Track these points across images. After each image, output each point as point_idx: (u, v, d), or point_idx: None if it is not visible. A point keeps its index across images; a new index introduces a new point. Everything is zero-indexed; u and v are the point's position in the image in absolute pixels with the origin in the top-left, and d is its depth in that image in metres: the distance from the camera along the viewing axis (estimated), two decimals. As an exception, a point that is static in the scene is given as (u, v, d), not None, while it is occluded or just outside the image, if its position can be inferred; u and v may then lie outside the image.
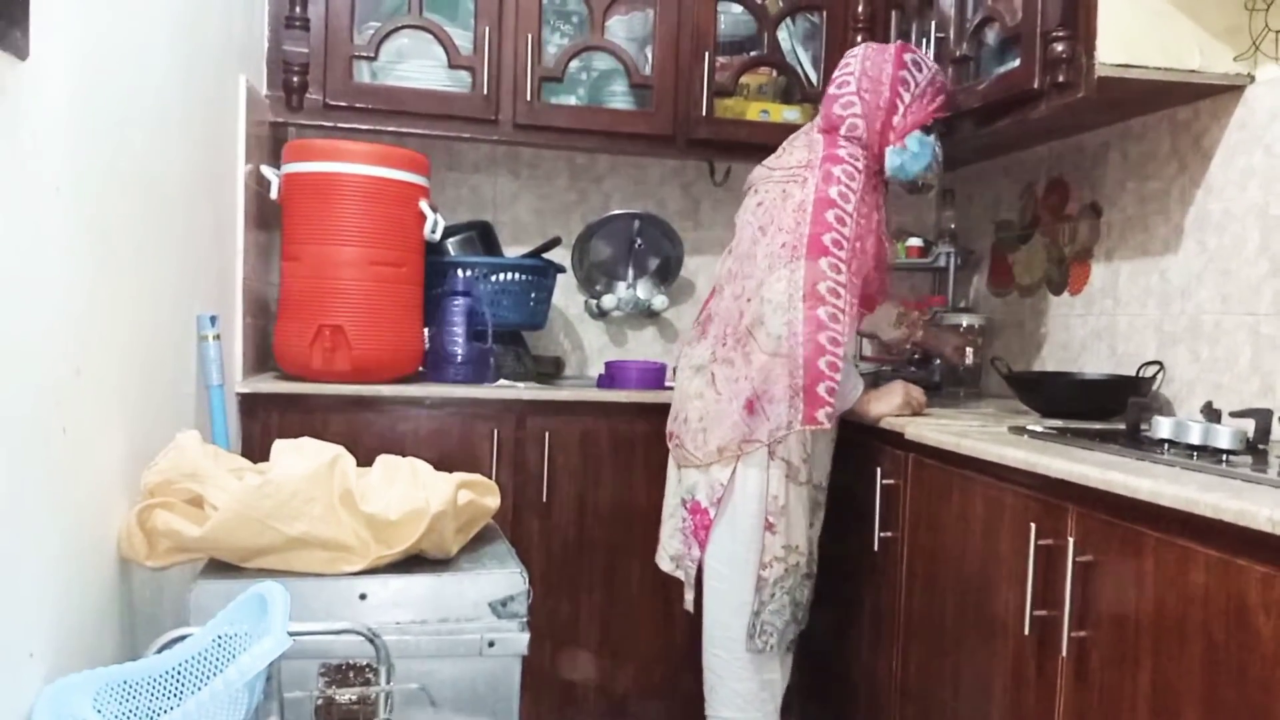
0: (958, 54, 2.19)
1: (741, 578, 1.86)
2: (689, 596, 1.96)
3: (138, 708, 1.24)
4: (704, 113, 2.58)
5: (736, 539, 1.87)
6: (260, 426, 2.18)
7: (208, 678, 1.23)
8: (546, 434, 2.32)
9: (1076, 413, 1.92)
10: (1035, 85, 1.92)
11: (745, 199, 2.04)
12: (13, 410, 1.12)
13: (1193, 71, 1.83)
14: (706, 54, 2.57)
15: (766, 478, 1.85)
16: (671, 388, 2.16)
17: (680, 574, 2.00)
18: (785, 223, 1.85)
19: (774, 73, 2.71)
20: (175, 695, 1.25)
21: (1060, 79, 1.87)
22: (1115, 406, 1.84)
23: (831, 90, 1.98)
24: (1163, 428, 1.44)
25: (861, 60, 1.97)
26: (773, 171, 1.98)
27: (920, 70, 1.98)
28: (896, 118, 1.94)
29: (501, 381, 2.40)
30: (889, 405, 1.94)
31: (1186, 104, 1.99)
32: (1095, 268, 2.28)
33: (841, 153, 1.89)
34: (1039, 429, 1.64)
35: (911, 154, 1.95)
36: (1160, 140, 2.08)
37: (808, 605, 1.95)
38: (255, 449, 2.11)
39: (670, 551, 2.03)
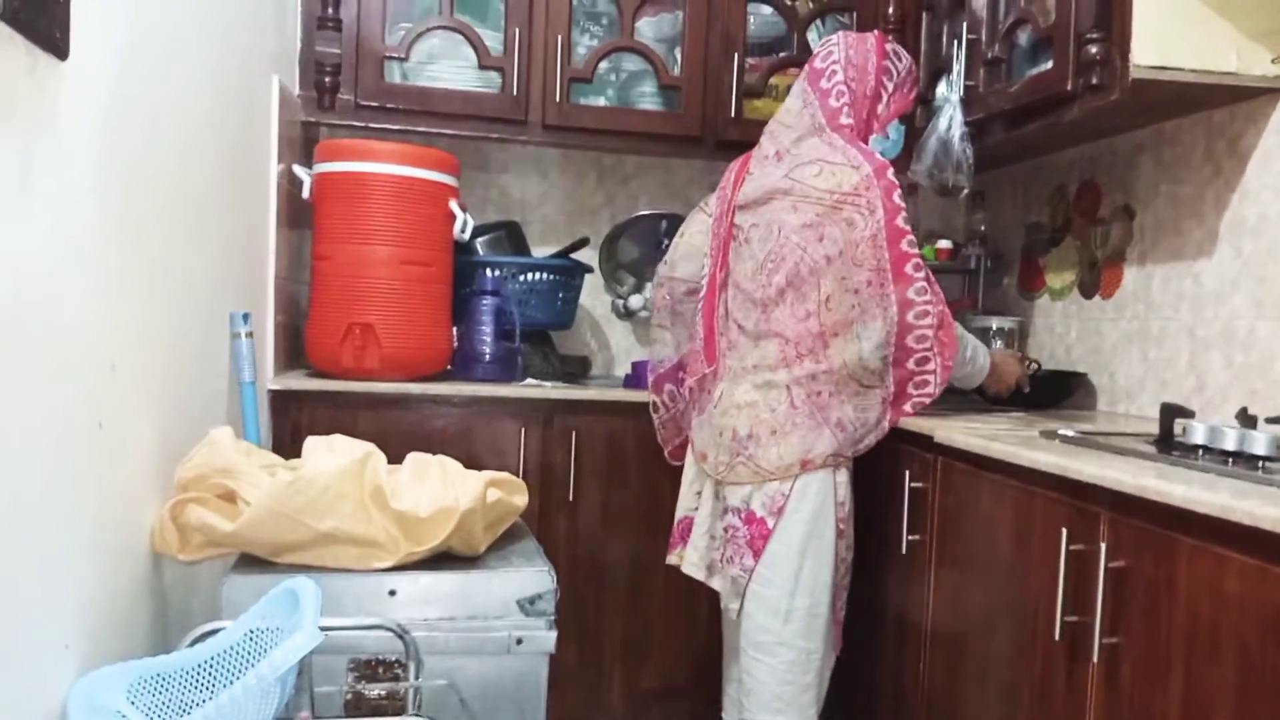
0: (990, 55, 2.18)
1: (796, 584, 1.85)
2: (734, 606, 1.91)
3: (170, 700, 1.25)
4: (733, 114, 2.58)
5: (794, 545, 1.84)
6: (291, 423, 2.20)
7: (240, 671, 1.25)
8: (573, 433, 2.33)
9: (1027, 402, 2.18)
10: (1068, 87, 1.91)
11: (768, 209, 1.92)
12: (50, 406, 1.14)
13: (1229, 74, 1.81)
14: (736, 55, 2.57)
15: (833, 484, 1.86)
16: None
17: (715, 583, 1.97)
18: (859, 256, 1.83)
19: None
20: (208, 688, 1.26)
21: (1093, 81, 1.86)
22: (1061, 397, 2.28)
23: (823, 84, 1.94)
24: (1197, 433, 1.43)
25: (845, 49, 1.96)
26: (820, 192, 1.86)
27: (900, 60, 2.00)
28: (881, 107, 1.96)
29: (529, 381, 2.41)
30: (1009, 376, 2.07)
31: (1222, 107, 1.97)
32: (1127, 271, 2.26)
33: (891, 174, 1.86)
34: (1070, 433, 1.62)
35: (893, 142, 2.00)
36: (1195, 143, 2.06)
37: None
38: (286, 445, 2.13)
39: (706, 560, 1.98)
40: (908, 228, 1.84)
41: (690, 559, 2.02)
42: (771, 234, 1.91)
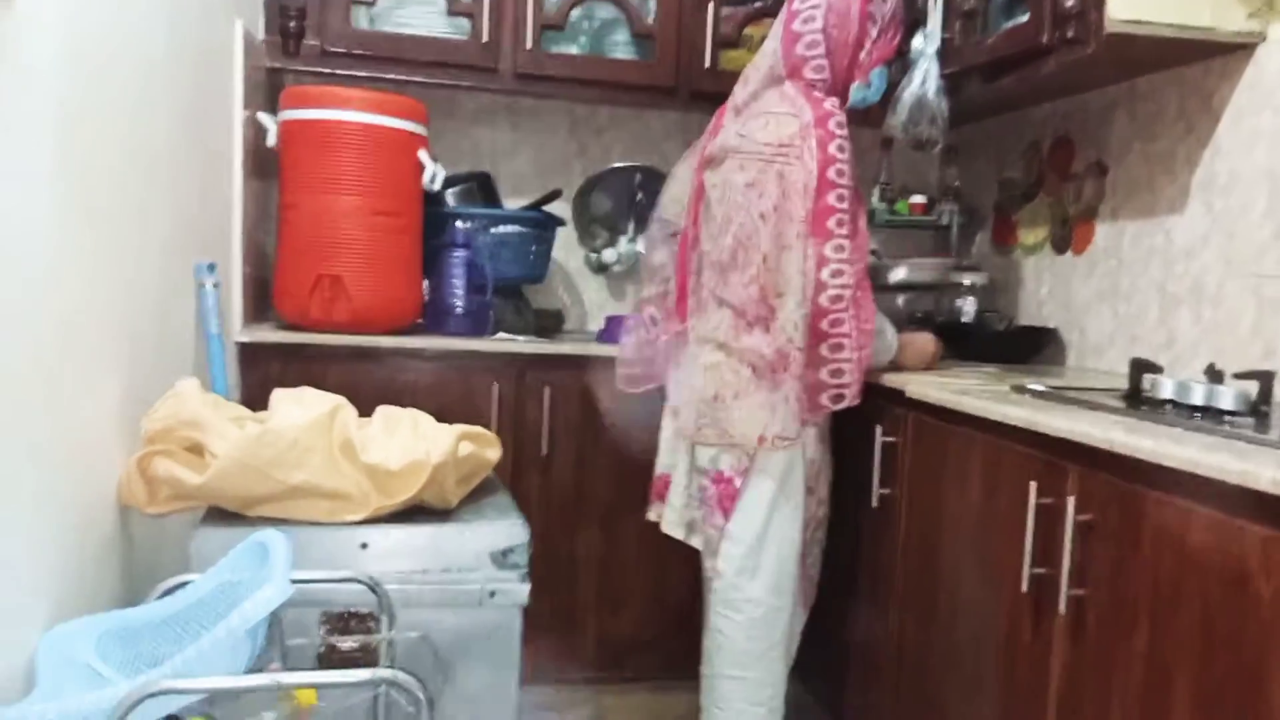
0: (965, 7, 2.16)
1: (764, 542, 1.87)
2: (709, 564, 1.92)
3: (140, 653, 1.24)
4: (707, 64, 2.55)
5: (760, 505, 1.86)
6: (259, 376, 2.17)
7: (209, 624, 1.24)
8: (546, 388, 2.32)
9: (996, 358, 2.22)
10: (1044, 40, 1.90)
11: (723, 168, 1.90)
12: (11, 358, 1.11)
13: (1204, 29, 1.80)
14: (711, 4, 2.53)
15: (804, 444, 1.87)
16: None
17: (695, 541, 1.97)
18: (791, 209, 1.78)
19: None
20: (177, 641, 1.25)
21: (1069, 35, 1.84)
22: (1031, 353, 2.34)
23: (794, 26, 1.88)
24: (1165, 389, 1.44)
25: None
26: (760, 146, 1.84)
27: (884, 3, 1.92)
28: (863, 54, 1.89)
29: (501, 335, 2.39)
30: (920, 358, 2.00)
31: (1196, 63, 1.97)
32: (1099, 227, 2.27)
33: (833, 123, 1.81)
34: (1041, 388, 1.63)
35: (875, 89, 1.94)
36: (1168, 100, 2.06)
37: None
38: (255, 399, 2.10)
39: (685, 519, 1.98)
40: (842, 181, 1.79)
41: (669, 518, 2.00)
42: (725, 195, 1.89)
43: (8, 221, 1.11)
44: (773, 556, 1.88)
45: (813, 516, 1.91)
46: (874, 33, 1.89)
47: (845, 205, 1.79)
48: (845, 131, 1.83)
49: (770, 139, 1.83)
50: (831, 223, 1.78)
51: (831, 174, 1.79)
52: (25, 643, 1.16)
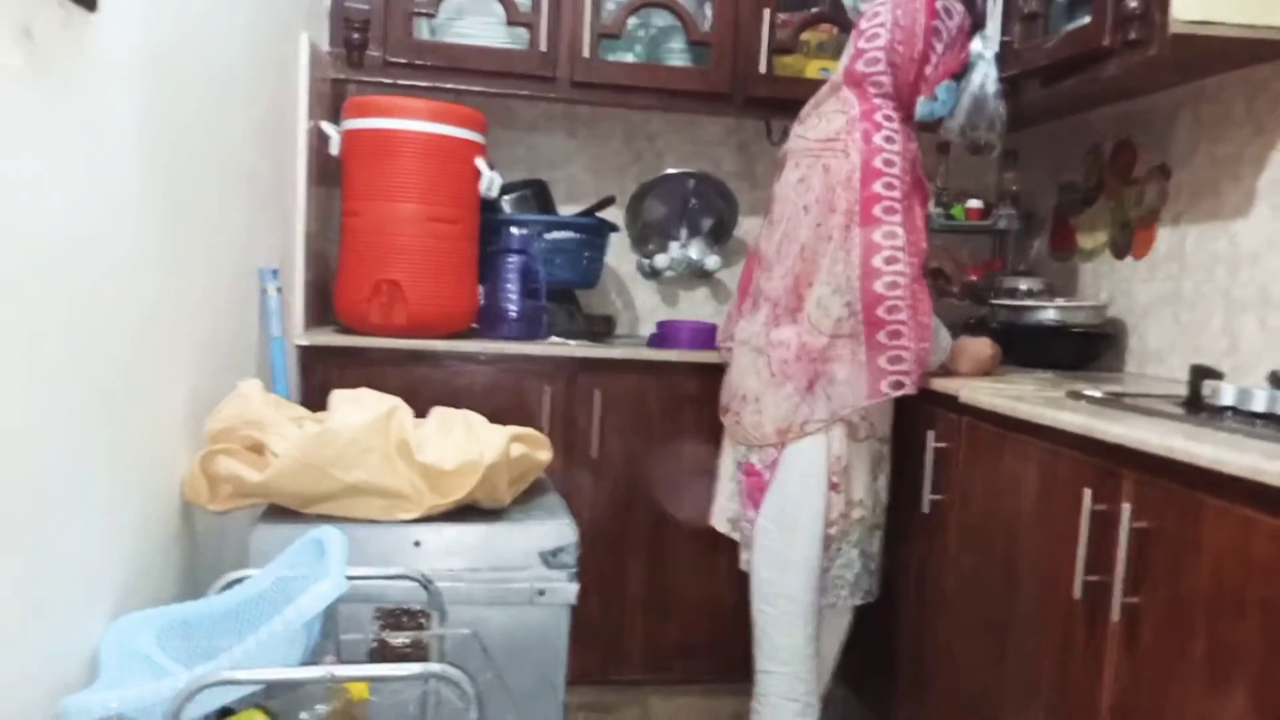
0: (1026, 10, 2.14)
1: (793, 536, 1.88)
2: (744, 556, 1.99)
3: (199, 645, 1.28)
4: (762, 70, 2.54)
5: (788, 498, 1.89)
6: (319, 378, 2.22)
7: (267, 618, 1.27)
8: (597, 391, 2.34)
9: (1053, 364, 2.19)
10: (1106, 43, 1.87)
11: (784, 171, 1.99)
12: (82, 357, 1.16)
13: (1272, 28, 1.76)
14: (767, 10, 2.53)
15: (828, 439, 1.86)
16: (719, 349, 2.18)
17: (736, 535, 2.04)
18: (834, 200, 1.81)
19: (835, 29, 2.66)
20: (235, 634, 1.29)
21: (1132, 36, 1.81)
22: (1089, 359, 2.27)
23: (860, 44, 1.92)
24: (1226, 395, 1.41)
25: (892, 9, 1.90)
26: (810, 143, 1.92)
27: (951, 18, 1.92)
28: (929, 68, 1.90)
29: (554, 339, 2.42)
30: (976, 363, 1.97)
31: (1264, 63, 1.92)
32: (1161, 232, 2.22)
33: (879, 116, 1.84)
34: (1097, 394, 1.61)
35: (941, 102, 1.96)
36: (1235, 101, 2.01)
37: (879, 555, 1.98)
38: (314, 400, 2.15)
39: (728, 514, 2.06)
40: (890, 170, 1.79)
41: (715, 513, 2.09)
42: (780, 194, 1.98)
43: (91, 222, 1.16)
44: (803, 551, 1.88)
45: (843, 515, 1.89)
46: (939, 47, 1.90)
47: (895, 194, 1.79)
48: (895, 125, 1.85)
49: (819, 135, 1.90)
50: (879, 209, 1.78)
51: (878, 163, 1.80)
52: (90, 633, 1.20)
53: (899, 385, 1.81)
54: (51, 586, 1.11)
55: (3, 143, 0.97)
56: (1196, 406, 1.47)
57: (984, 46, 2.18)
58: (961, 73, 1.97)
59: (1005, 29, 2.18)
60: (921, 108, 1.92)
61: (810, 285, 1.84)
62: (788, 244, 1.90)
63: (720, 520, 2.09)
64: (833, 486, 1.88)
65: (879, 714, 2.18)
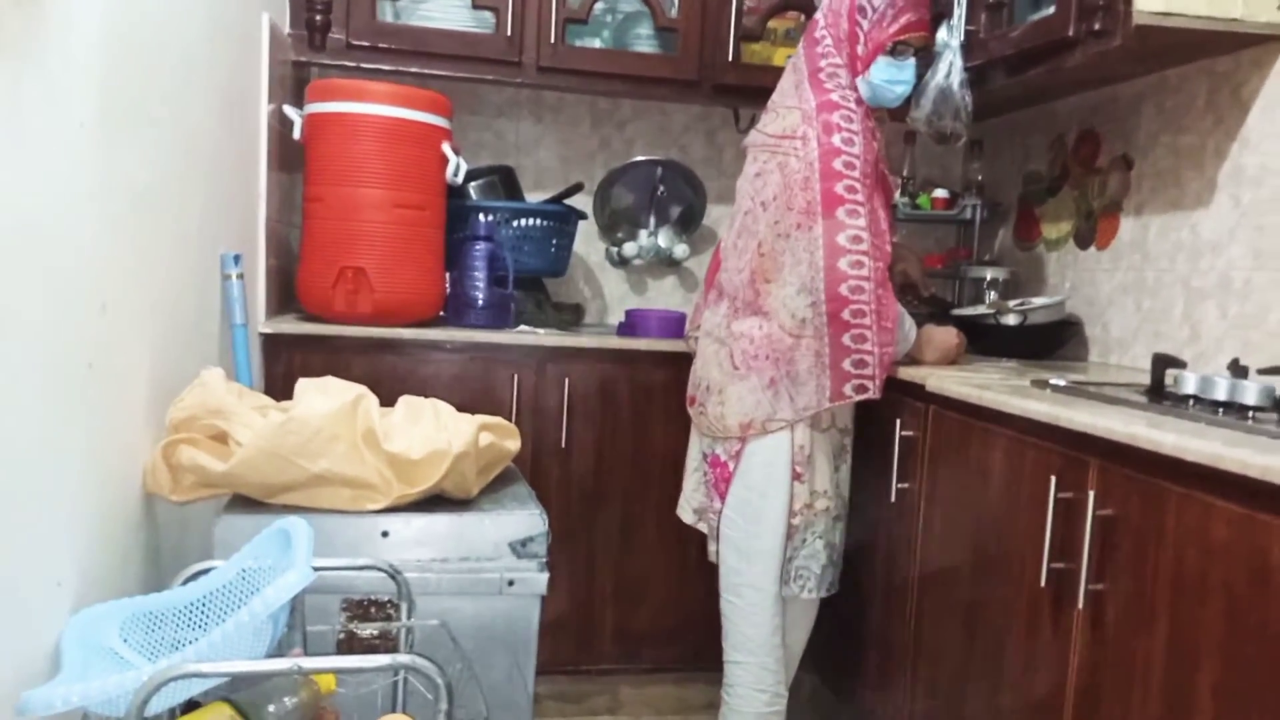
0: (992, 0, 2.15)
1: (757, 527, 1.89)
2: (712, 548, 2.00)
3: (163, 638, 1.26)
4: (730, 57, 2.54)
5: (752, 489, 1.90)
6: (283, 367, 2.20)
7: (232, 610, 1.26)
8: (566, 380, 2.33)
9: (1017, 353, 2.23)
10: (1070, 33, 1.88)
11: (745, 165, 1.99)
12: (41, 345, 1.13)
13: (1234, 20, 1.78)
14: (733, -2, 2.53)
15: (791, 430, 1.86)
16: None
17: (703, 526, 2.05)
18: (791, 199, 1.81)
19: (802, 17, 2.66)
20: (200, 626, 1.27)
21: (1096, 26, 1.83)
22: (1053, 347, 2.31)
23: (815, 33, 1.92)
24: (1188, 383, 1.43)
25: None
26: (767, 138, 1.91)
27: None
28: (859, 47, 1.87)
29: (522, 327, 2.40)
30: (942, 353, 1.97)
31: (1226, 54, 1.94)
32: (1124, 222, 2.25)
33: (838, 115, 1.83)
34: (1062, 383, 1.62)
35: (882, 82, 1.88)
36: (1197, 92, 2.04)
37: (841, 547, 1.99)
38: (277, 389, 2.13)
39: (694, 504, 2.07)
40: (851, 174, 1.78)
41: (681, 503, 2.09)
42: (740, 189, 1.99)
43: (49, 203, 1.13)
44: (766, 542, 1.89)
45: (807, 505, 1.89)
46: (865, 25, 1.87)
47: (858, 196, 1.79)
48: (855, 125, 1.83)
49: (776, 130, 1.89)
50: (841, 213, 1.78)
51: (838, 164, 1.79)
52: (50, 626, 1.18)
53: (862, 389, 1.82)
54: (10, 579, 1.08)
55: (-45, 125, 0.94)
56: (1159, 395, 1.49)
57: (949, 35, 2.19)
58: (903, 49, 1.88)
59: (970, 18, 2.19)
60: (862, 89, 1.88)
61: (768, 281, 1.85)
62: (745, 238, 1.91)
63: (685, 511, 2.10)
64: (796, 476, 1.88)
65: (846, 701, 2.20)
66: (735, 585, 1.94)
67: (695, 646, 2.37)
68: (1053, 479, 1.38)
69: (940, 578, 1.77)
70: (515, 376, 2.30)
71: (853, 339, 1.79)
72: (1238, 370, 1.49)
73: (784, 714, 1.97)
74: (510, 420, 1.76)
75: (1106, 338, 2.28)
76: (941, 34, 2.18)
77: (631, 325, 2.52)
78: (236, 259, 1.90)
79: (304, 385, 1.55)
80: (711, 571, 2.02)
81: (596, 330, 2.62)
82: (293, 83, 2.42)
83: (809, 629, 2.07)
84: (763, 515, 1.89)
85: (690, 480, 2.08)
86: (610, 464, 2.39)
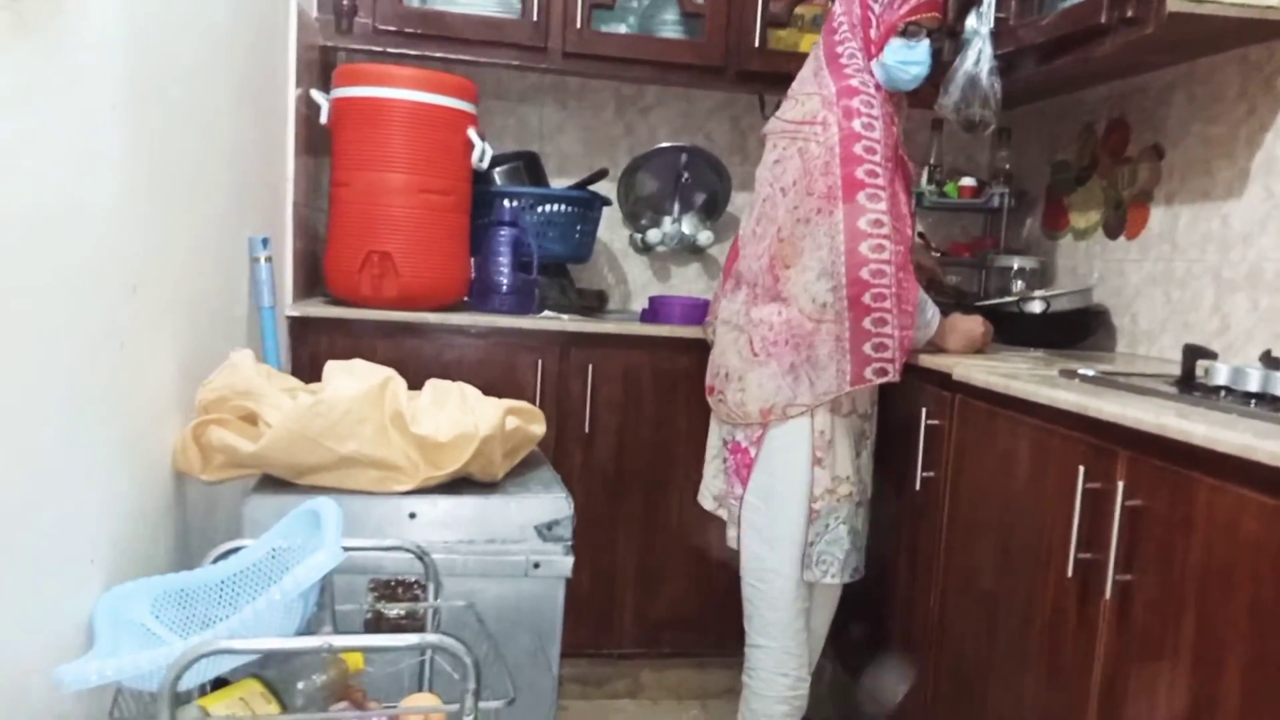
0: (1022, -13, 2.13)
1: (779, 512, 1.89)
2: (731, 534, 2.00)
3: (194, 615, 1.28)
4: (756, 44, 2.53)
5: (774, 475, 1.90)
6: (309, 350, 2.21)
7: (262, 588, 1.27)
8: (590, 366, 2.34)
9: (1044, 343, 2.21)
10: (1102, 20, 1.87)
11: (765, 152, 1.99)
12: (73, 326, 1.14)
13: (1268, 8, 1.76)
14: (760, -17, 2.51)
15: (811, 415, 1.86)
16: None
17: (722, 512, 2.05)
18: (811, 184, 1.80)
19: (829, 2, 2.64)
20: (230, 604, 1.28)
21: (1129, 14, 1.81)
22: (1080, 337, 2.28)
23: (832, 23, 1.93)
24: (1220, 374, 1.42)
25: None
26: (786, 124, 1.91)
27: None
28: (872, 31, 1.87)
29: (546, 313, 2.41)
30: (967, 341, 1.97)
31: (1260, 43, 1.92)
32: (1154, 211, 2.23)
33: (858, 100, 1.82)
34: (1090, 373, 1.61)
35: (896, 64, 1.86)
36: (1229, 81, 2.02)
37: (865, 532, 1.99)
38: (304, 372, 2.14)
39: (713, 491, 2.08)
40: (871, 158, 1.78)
41: (701, 490, 2.11)
42: (759, 176, 1.98)
43: (79, 186, 1.14)
44: (788, 528, 1.90)
45: (828, 491, 1.90)
46: (876, 8, 1.87)
47: (879, 180, 1.78)
48: (875, 110, 1.82)
49: (795, 116, 1.89)
50: (862, 197, 1.77)
51: (858, 149, 1.79)
52: (83, 603, 1.19)
53: (882, 373, 1.81)
54: (44, 556, 1.10)
55: (-6, 105, 0.95)
56: (1190, 386, 1.47)
57: (979, 23, 2.18)
58: (915, 30, 1.86)
59: (1000, 5, 2.17)
60: (878, 73, 1.87)
61: (787, 267, 1.84)
62: (764, 224, 1.91)
63: (706, 498, 2.11)
64: (817, 461, 1.89)
65: (869, 689, 2.20)
66: (758, 570, 1.94)
67: (716, 632, 2.38)
68: (1081, 469, 1.38)
69: (964, 566, 1.77)
70: (539, 362, 2.31)
71: (873, 322, 1.79)
72: (1270, 362, 1.48)
73: (806, 698, 1.98)
74: (534, 405, 1.76)
75: (1134, 329, 2.26)
76: (971, 21, 2.16)
77: (655, 312, 2.52)
78: (265, 242, 1.91)
79: (332, 367, 1.56)
80: (732, 558, 2.02)
81: (620, 316, 2.63)
82: (319, 67, 2.43)
83: (832, 614, 2.07)
84: (784, 500, 1.89)
85: (710, 467, 2.09)
86: (633, 449, 2.39)
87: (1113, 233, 2.37)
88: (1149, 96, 2.26)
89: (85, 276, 1.17)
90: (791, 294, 1.84)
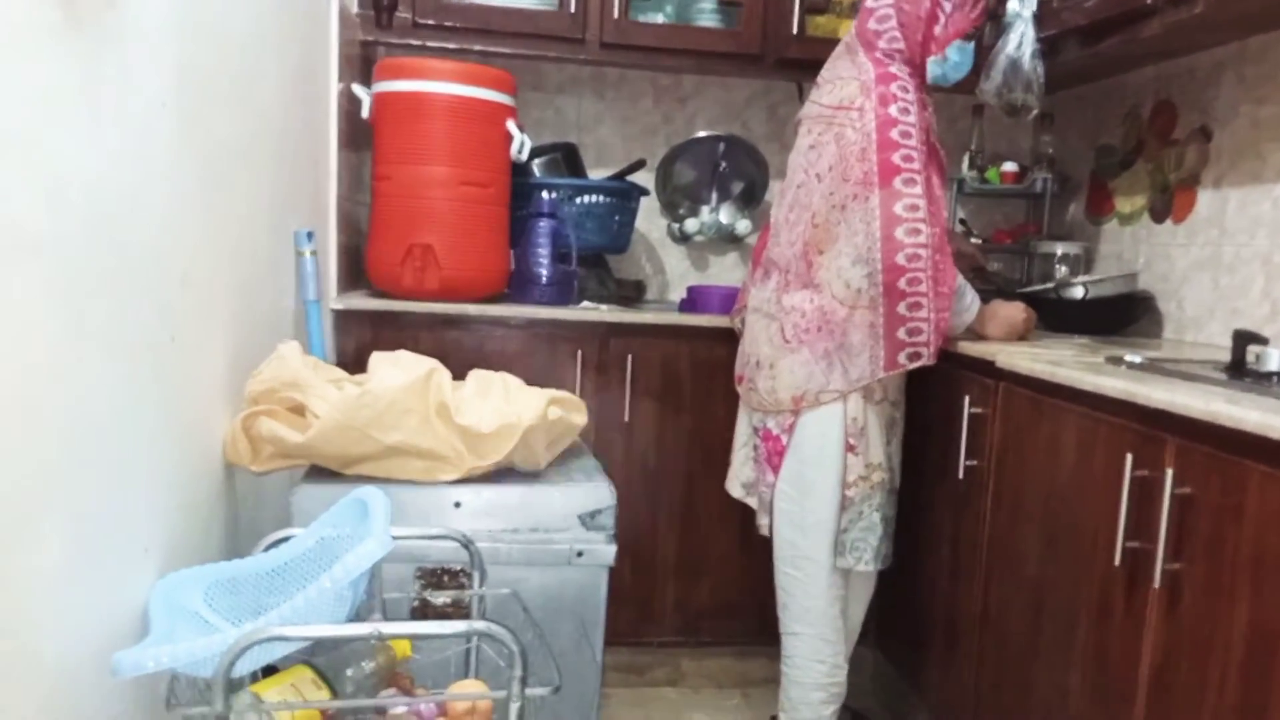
0: (1065, -32, 2.10)
1: (812, 498, 1.90)
2: (763, 521, 2.01)
3: (245, 602, 1.30)
4: (794, 31, 2.51)
5: (806, 461, 1.90)
6: (353, 342, 2.24)
7: (312, 577, 1.29)
8: (629, 356, 2.34)
9: (1089, 329, 2.19)
10: (1148, 1, 1.83)
11: (797, 138, 1.97)
12: (125, 318, 1.17)
13: (1322, -14, 1.73)
14: (798, -30, 2.50)
15: (844, 402, 1.86)
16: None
17: (752, 500, 2.06)
18: (848, 170, 1.80)
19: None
20: (280, 592, 1.31)
21: (1176, -6, 1.78)
22: (1125, 323, 2.25)
23: (868, 3, 1.90)
24: (1271, 360, 1.40)
25: None
26: (823, 109, 1.90)
27: None
28: (938, 28, 1.86)
29: (585, 304, 2.42)
30: (1009, 328, 1.96)
31: (1312, 21, 1.88)
32: (1201, 195, 2.19)
33: (895, 86, 1.82)
34: (1137, 359, 1.59)
35: (953, 63, 1.88)
36: (1279, 62, 1.98)
37: (894, 520, 1.99)
38: (348, 363, 2.17)
39: (742, 479, 2.09)
40: (908, 143, 1.78)
41: (729, 477, 2.13)
42: (792, 162, 1.97)
43: (131, 181, 1.16)
44: (821, 514, 1.90)
45: (862, 477, 1.89)
46: (948, 7, 1.86)
47: (914, 165, 1.78)
48: (910, 95, 1.82)
49: (832, 101, 1.88)
50: (899, 181, 1.77)
51: (894, 134, 1.78)
52: (138, 590, 1.22)
53: (916, 357, 1.81)
54: (99, 544, 1.12)
55: (43, 97, 0.97)
56: (1240, 372, 1.45)
57: (1021, 6, 2.15)
58: (973, 34, 1.89)
59: (1044, -12, 2.14)
60: (932, 69, 1.87)
61: (821, 253, 1.84)
62: (798, 211, 1.90)
63: (734, 485, 2.11)
64: (849, 449, 1.88)
65: (910, 678, 2.20)
66: (791, 558, 1.94)
67: (756, 621, 2.38)
68: (1129, 457, 1.36)
69: (1009, 555, 1.75)
70: (579, 352, 2.32)
71: (908, 307, 1.79)
72: (1323, 347, 1.45)
73: (844, 685, 1.98)
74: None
75: (1181, 315, 2.23)
76: (1013, 5, 2.13)
77: (693, 301, 2.52)
78: (309, 236, 1.94)
79: (378, 359, 1.58)
80: (770, 546, 2.02)
81: (659, 307, 2.63)
82: (360, 62, 2.45)
83: (868, 601, 2.07)
84: (816, 487, 1.89)
85: (738, 455, 2.09)
86: (672, 439, 2.40)
87: (1159, 217, 2.33)
88: (1196, 78, 2.22)
89: (136, 269, 1.19)
90: (824, 280, 1.84)
